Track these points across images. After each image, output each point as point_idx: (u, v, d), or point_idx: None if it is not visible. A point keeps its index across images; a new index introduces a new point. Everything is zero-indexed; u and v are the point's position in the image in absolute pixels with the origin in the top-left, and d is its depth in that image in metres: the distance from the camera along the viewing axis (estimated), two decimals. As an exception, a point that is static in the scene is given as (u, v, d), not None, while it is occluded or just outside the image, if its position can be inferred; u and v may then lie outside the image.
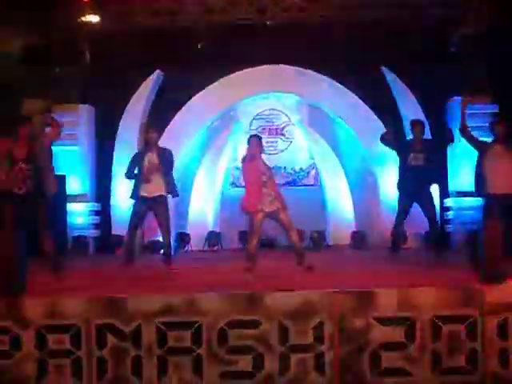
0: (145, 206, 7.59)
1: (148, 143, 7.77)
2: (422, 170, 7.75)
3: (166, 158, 7.67)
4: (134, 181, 7.69)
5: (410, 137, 8.49)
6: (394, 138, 8.17)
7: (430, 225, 8.00)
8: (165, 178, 7.59)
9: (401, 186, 8.01)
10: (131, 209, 7.80)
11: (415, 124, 8.15)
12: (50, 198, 6.54)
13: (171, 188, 7.69)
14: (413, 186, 7.76)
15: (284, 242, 11.05)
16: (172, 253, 7.83)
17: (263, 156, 6.99)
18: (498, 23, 10.41)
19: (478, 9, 10.92)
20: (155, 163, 7.54)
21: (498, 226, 5.55)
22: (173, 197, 7.98)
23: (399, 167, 8.06)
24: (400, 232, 8.37)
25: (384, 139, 8.18)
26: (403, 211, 7.99)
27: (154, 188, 7.55)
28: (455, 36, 11.55)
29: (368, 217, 12.20)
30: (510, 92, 10.35)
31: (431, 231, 8.16)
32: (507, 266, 5.14)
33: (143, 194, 7.56)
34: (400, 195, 8.05)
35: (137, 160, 7.73)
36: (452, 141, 8.27)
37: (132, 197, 7.70)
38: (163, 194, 7.60)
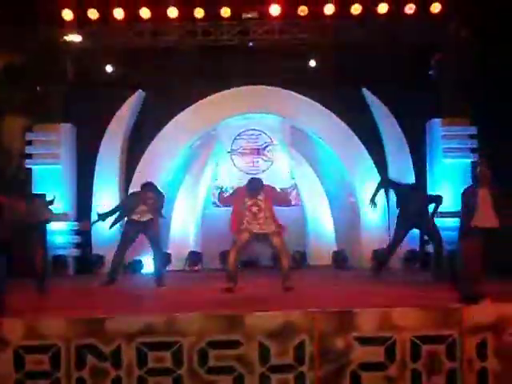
0: (136, 228, 7.76)
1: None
2: (418, 195, 8.45)
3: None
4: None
5: None
6: (389, 184, 8.52)
7: (435, 246, 8.33)
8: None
9: (401, 212, 8.31)
10: (122, 230, 7.94)
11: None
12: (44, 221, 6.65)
13: (159, 212, 7.91)
14: (413, 212, 8.02)
15: (266, 262, 11.09)
16: (161, 273, 7.92)
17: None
18: (477, 47, 10.60)
19: (456, 34, 11.11)
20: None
21: (476, 247, 5.62)
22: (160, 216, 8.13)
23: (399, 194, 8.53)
24: (391, 255, 8.55)
25: (381, 186, 8.55)
26: (402, 236, 8.27)
27: (145, 212, 7.69)
28: (434, 60, 11.74)
29: (349, 237, 12.24)
30: (489, 114, 10.52)
31: (436, 255, 8.35)
32: (485, 287, 5.20)
33: (134, 217, 7.73)
34: (399, 219, 8.30)
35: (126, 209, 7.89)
36: (440, 203, 8.63)
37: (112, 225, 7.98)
38: (154, 216, 7.77)
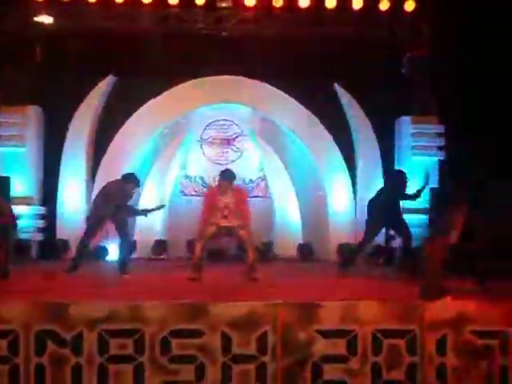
0: (104, 213, 7.67)
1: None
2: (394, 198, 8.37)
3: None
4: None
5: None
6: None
7: (404, 243, 8.41)
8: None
9: (375, 212, 8.34)
10: (89, 214, 7.84)
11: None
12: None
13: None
14: (387, 214, 8.10)
15: (233, 252, 11.09)
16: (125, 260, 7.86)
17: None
18: (446, 47, 10.72)
19: (427, 34, 11.23)
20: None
21: (439, 244, 5.69)
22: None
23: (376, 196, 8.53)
24: (361, 252, 8.61)
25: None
26: (374, 234, 8.31)
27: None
28: (406, 58, 11.84)
29: (315, 230, 12.31)
30: (457, 113, 10.67)
31: (405, 250, 8.41)
32: (447, 283, 5.28)
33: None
34: (372, 219, 8.35)
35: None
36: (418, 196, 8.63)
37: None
38: (122, 202, 7.68)
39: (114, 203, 7.56)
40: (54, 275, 7.70)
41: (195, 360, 4.47)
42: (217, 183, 7.53)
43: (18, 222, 7.66)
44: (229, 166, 12.64)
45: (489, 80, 9.78)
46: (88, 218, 8.13)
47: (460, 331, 4.73)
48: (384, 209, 8.29)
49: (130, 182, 7.80)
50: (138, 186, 8.18)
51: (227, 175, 7.29)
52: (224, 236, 7.33)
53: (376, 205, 8.46)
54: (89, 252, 11.21)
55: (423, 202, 11.40)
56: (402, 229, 8.38)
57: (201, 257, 6.91)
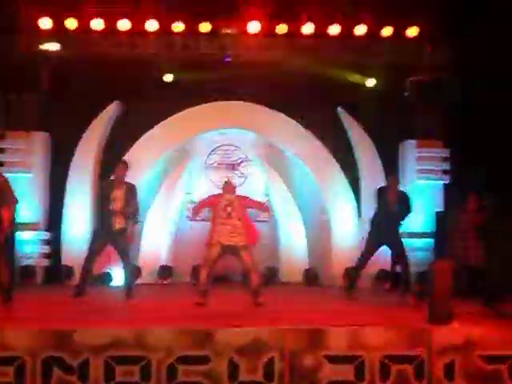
0: (105, 238, 7.64)
1: (117, 177, 7.83)
2: (395, 215, 8.28)
3: (133, 194, 7.87)
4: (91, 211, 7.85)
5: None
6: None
7: (402, 265, 8.31)
8: (128, 211, 7.66)
9: (373, 229, 8.32)
10: (90, 240, 7.80)
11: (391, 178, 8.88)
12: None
13: (134, 217, 7.81)
14: (385, 231, 8.05)
15: (238, 278, 11.05)
16: (130, 286, 7.83)
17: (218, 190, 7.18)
18: (451, 71, 10.79)
19: (431, 58, 11.29)
20: (122, 199, 7.66)
21: (447, 268, 5.68)
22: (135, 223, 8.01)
23: (375, 212, 8.54)
24: (360, 271, 8.52)
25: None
26: (371, 252, 8.26)
27: (116, 221, 7.59)
28: (409, 82, 11.90)
29: (321, 255, 12.27)
30: (462, 137, 10.70)
31: (403, 273, 8.36)
32: (454, 308, 5.25)
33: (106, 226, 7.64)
34: (370, 236, 8.32)
35: (105, 192, 7.79)
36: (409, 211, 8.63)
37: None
38: (125, 226, 7.65)
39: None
40: (59, 301, 7.69)
41: (202, 387, 4.45)
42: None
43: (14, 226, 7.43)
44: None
45: (495, 104, 9.82)
46: (90, 243, 8.06)
47: (468, 356, 4.71)
48: (377, 226, 8.30)
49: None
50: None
51: (229, 184, 7.42)
52: (228, 255, 7.19)
53: (371, 223, 8.51)
54: (93, 278, 11.26)
55: (429, 225, 11.42)
56: (401, 253, 8.34)
57: (207, 282, 6.88)
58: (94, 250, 7.78)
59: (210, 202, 7.26)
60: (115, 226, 7.65)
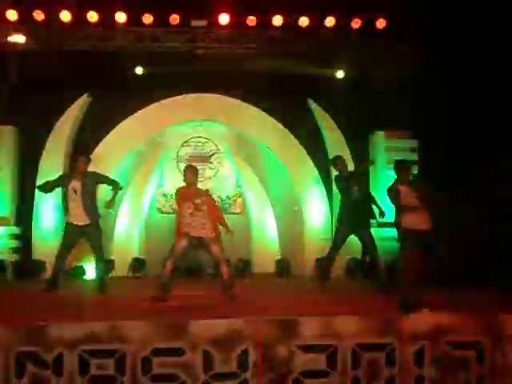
0: (76, 232, 7.60)
1: (74, 170, 7.79)
2: (361, 203, 8.29)
3: (99, 176, 7.89)
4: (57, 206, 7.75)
5: (336, 173, 8.76)
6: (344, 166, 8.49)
7: (371, 254, 8.33)
8: (87, 206, 7.60)
9: (342, 217, 8.35)
10: (62, 235, 7.75)
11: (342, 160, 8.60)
12: None
13: (93, 217, 7.70)
14: (353, 218, 8.08)
15: (210, 270, 11.07)
16: (103, 279, 7.80)
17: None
18: (421, 62, 10.90)
19: (397, 48, 11.40)
20: (78, 191, 7.56)
21: (416, 257, 5.79)
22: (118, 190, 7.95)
23: (343, 201, 8.47)
24: (332, 261, 8.53)
25: (335, 165, 8.53)
26: (341, 241, 8.27)
27: (83, 217, 7.58)
28: (375, 74, 12.02)
29: (292, 245, 12.38)
30: (430, 128, 10.85)
31: (372, 262, 8.40)
32: (423, 296, 5.37)
33: (73, 221, 7.57)
34: (339, 226, 8.35)
35: (62, 183, 7.74)
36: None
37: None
38: (94, 220, 7.63)
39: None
40: (30, 296, 7.64)
41: (177, 378, 4.49)
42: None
43: None
44: (205, 183, 12.77)
45: (464, 93, 9.97)
46: (62, 237, 8.01)
47: (437, 343, 4.82)
48: (346, 215, 8.34)
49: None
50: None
51: (192, 169, 7.09)
52: (197, 247, 7.09)
53: (339, 212, 8.56)
54: (65, 271, 11.19)
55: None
56: (369, 243, 8.34)
57: (171, 275, 6.78)
58: (66, 244, 7.75)
59: (183, 192, 7.03)
60: (80, 222, 7.62)
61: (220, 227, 6.96)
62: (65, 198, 7.75)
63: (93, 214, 7.67)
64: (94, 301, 7.23)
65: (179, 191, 7.00)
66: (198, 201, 6.77)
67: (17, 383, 4.36)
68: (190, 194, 6.85)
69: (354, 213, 8.21)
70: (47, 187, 7.87)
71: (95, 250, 7.76)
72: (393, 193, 6.37)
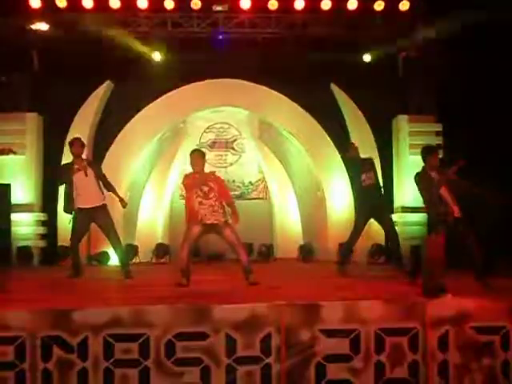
0: (86, 217, 7.53)
1: (74, 156, 7.70)
2: (374, 189, 8.13)
3: (98, 169, 7.79)
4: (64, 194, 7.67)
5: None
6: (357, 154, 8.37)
7: (391, 240, 8.23)
8: (95, 188, 7.59)
9: (358, 202, 8.29)
10: (71, 223, 7.68)
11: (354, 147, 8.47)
12: None
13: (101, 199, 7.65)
14: (370, 204, 8.01)
15: (232, 256, 11.11)
16: (127, 264, 7.80)
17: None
18: (442, 47, 10.75)
19: (423, 34, 11.23)
20: (86, 174, 7.52)
21: (440, 242, 5.74)
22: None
23: (355, 187, 8.41)
24: (352, 247, 8.48)
25: (347, 151, 8.46)
26: (361, 226, 8.20)
27: (92, 199, 7.53)
28: (401, 58, 11.89)
29: (315, 230, 12.36)
30: (454, 112, 10.72)
31: (392, 246, 8.32)
32: (447, 280, 5.33)
33: (81, 205, 7.52)
34: (359, 211, 8.29)
35: (65, 173, 7.65)
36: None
37: (65, 210, 7.65)
38: (102, 203, 7.58)
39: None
40: (56, 282, 7.73)
41: (200, 362, 4.51)
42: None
43: None
44: (228, 169, 12.80)
45: (486, 77, 9.82)
46: (72, 223, 7.87)
47: (461, 328, 4.78)
48: (359, 198, 8.26)
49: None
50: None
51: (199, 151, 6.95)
52: (211, 233, 6.93)
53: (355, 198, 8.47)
54: (91, 257, 11.32)
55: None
56: (389, 229, 8.23)
57: (188, 261, 6.73)
58: (76, 232, 7.69)
59: (189, 182, 6.83)
60: (88, 205, 7.53)
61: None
62: (70, 186, 7.58)
63: (101, 197, 7.62)
64: (118, 286, 7.29)
65: (185, 178, 6.79)
66: (205, 188, 6.60)
67: (43, 366, 4.42)
68: (197, 180, 6.65)
69: (369, 198, 8.09)
70: (60, 184, 7.85)
71: (110, 235, 7.62)
72: (424, 180, 6.28)
